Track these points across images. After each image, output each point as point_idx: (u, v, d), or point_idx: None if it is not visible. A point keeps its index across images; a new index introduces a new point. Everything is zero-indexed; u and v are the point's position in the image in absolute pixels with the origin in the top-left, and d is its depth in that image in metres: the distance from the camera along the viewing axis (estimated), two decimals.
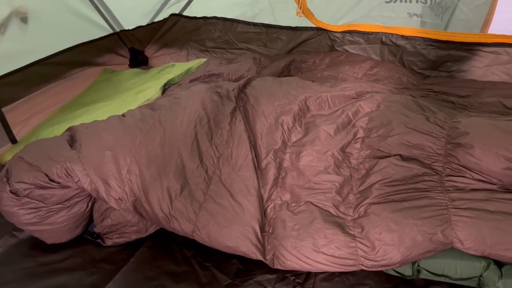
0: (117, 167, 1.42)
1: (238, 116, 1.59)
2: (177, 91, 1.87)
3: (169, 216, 1.37)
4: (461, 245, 1.20)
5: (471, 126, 1.33)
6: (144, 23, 2.77)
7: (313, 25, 2.43)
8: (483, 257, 1.21)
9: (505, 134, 1.27)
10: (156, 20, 2.80)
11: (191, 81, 2.15)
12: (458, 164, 1.31)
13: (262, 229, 1.34)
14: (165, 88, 2.20)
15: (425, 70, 2.19)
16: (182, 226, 1.36)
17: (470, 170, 1.29)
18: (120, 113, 1.65)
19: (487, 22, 2.27)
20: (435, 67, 2.17)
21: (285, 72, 2.28)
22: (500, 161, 1.23)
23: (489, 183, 1.27)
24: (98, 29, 2.61)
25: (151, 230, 1.50)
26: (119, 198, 1.41)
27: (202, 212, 1.36)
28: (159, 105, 1.63)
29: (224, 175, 1.44)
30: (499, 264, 1.21)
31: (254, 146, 1.53)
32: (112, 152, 1.44)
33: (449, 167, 1.32)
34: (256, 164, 1.49)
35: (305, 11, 2.38)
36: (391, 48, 2.25)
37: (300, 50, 2.50)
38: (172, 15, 2.76)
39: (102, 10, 2.57)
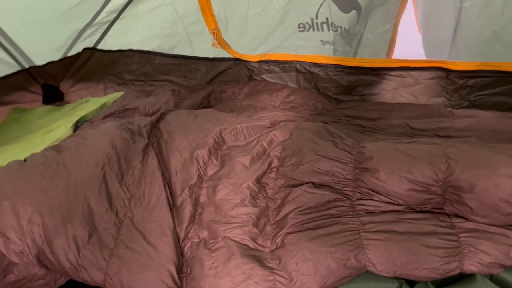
0: (17, 217, 1.30)
1: (150, 153, 1.54)
2: (86, 130, 1.78)
3: (77, 266, 1.27)
4: (374, 268, 1.22)
5: (375, 151, 1.38)
6: (56, 58, 2.65)
7: (230, 56, 2.46)
8: (396, 278, 1.24)
9: (405, 156, 1.33)
10: (69, 54, 2.68)
11: (105, 117, 2.06)
12: (366, 188, 1.35)
13: (179, 271, 1.29)
14: (77, 126, 2.09)
15: (339, 95, 2.27)
16: (92, 276, 1.27)
17: (378, 193, 1.33)
18: (25, 156, 1.54)
19: (391, 48, 2.43)
20: (348, 92, 2.26)
21: (205, 103, 2.27)
22: (403, 183, 1.29)
23: (396, 204, 1.31)
24: (4, 67, 2.45)
25: (61, 281, 1.39)
26: (20, 252, 1.29)
27: (113, 259, 1.28)
28: (64, 147, 1.53)
29: (137, 217, 1.37)
30: (411, 283, 1.25)
31: (168, 183, 1.48)
32: (10, 202, 1.32)
33: (359, 191, 1.36)
34: (171, 202, 1.43)
35: (221, 43, 2.40)
36: (305, 75, 2.31)
37: (220, 80, 2.50)
38: (86, 49, 2.66)
39: (8, 46, 2.42)
